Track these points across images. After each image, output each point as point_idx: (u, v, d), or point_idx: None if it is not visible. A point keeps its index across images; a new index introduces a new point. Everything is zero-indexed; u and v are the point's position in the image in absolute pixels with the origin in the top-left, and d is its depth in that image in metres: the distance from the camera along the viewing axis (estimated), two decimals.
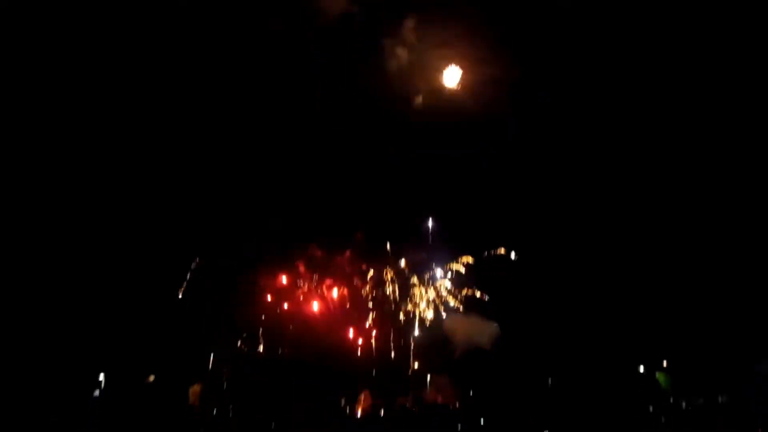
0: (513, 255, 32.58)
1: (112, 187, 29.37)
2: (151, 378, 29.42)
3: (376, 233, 33.39)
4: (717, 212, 30.05)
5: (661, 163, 30.91)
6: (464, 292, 32.93)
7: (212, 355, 29.25)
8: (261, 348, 30.84)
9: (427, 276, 33.38)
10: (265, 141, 31.25)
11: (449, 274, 33.31)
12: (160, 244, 29.65)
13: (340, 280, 33.02)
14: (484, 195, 31.42)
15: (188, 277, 29.95)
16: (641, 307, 31.04)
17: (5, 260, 26.25)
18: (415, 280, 33.20)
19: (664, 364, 31.90)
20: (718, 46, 29.04)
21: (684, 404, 30.75)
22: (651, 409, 29.90)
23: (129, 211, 29.34)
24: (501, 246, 32.80)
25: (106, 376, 25.21)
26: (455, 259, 33.16)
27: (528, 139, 30.67)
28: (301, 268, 32.95)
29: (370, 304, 32.88)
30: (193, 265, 30.00)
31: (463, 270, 33.01)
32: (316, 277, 32.57)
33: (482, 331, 32.68)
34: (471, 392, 31.15)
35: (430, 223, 33.82)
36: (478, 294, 32.88)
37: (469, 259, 32.91)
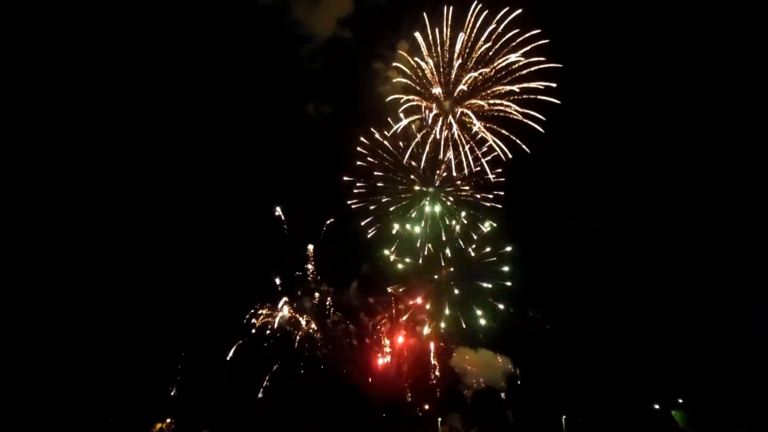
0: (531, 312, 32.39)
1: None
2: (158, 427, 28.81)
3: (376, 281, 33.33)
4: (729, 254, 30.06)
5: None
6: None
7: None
8: (269, 396, 30.29)
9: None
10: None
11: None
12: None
13: (347, 320, 32.63)
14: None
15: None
16: (654, 346, 30.67)
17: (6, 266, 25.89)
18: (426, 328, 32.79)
19: (680, 401, 31.43)
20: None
21: None
22: None
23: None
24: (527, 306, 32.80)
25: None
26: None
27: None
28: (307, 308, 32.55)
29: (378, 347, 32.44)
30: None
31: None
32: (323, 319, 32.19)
33: (494, 367, 31.97)
34: None
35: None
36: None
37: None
